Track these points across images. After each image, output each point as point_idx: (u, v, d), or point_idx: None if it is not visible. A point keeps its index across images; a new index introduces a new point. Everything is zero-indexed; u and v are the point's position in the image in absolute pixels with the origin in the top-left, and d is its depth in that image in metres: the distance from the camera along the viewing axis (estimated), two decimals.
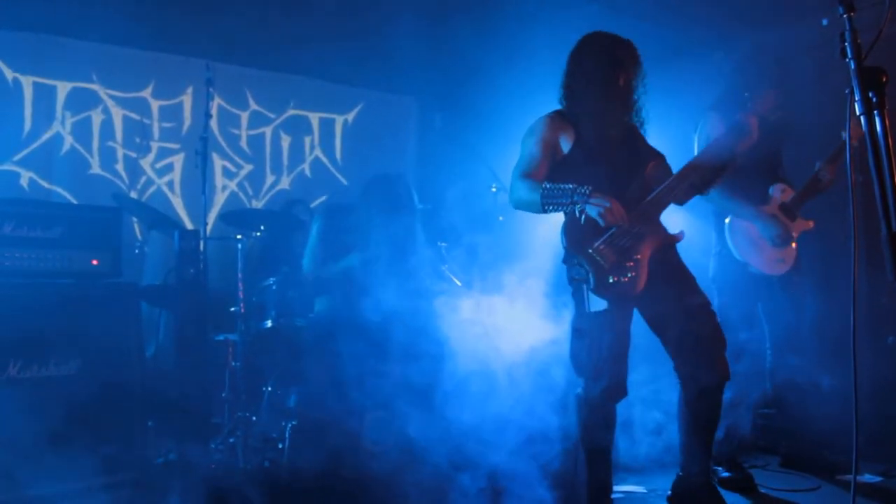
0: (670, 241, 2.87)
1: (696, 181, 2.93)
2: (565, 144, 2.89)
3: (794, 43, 4.49)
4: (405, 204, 4.05)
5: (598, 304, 2.75)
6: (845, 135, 3.58)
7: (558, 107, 3.02)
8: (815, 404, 3.60)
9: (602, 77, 2.85)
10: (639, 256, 2.75)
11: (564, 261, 2.83)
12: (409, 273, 3.74)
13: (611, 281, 2.70)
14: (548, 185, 2.71)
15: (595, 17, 4.45)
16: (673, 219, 2.97)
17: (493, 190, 4.78)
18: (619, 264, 2.72)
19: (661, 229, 2.88)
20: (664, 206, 2.89)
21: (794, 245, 3.64)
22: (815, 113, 3.72)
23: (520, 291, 3.40)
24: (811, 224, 3.68)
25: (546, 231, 3.40)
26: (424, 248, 4.01)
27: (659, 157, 3.00)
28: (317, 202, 6.28)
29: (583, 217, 2.66)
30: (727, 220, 3.64)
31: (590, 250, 2.72)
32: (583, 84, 2.90)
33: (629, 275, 2.72)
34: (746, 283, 3.61)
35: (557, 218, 2.89)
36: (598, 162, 2.84)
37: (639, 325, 2.93)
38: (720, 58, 5.08)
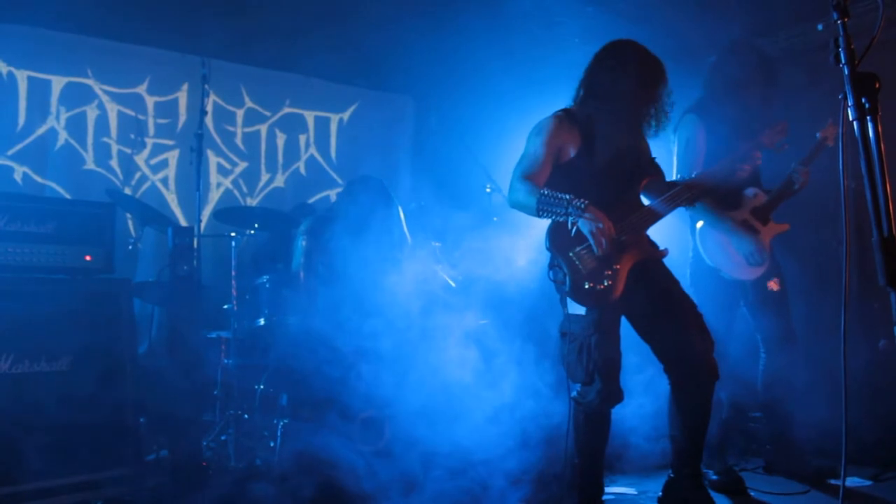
0: (654, 256, 2.89)
1: (687, 199, 2.95)
2: (570, 150, 2.88)
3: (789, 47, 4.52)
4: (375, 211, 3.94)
5: (576, 307, 2.76)
6: (819, 135, 3.55)
7: (561, 105, 2.99)
8: (805, 408, 3.61)
9: (628, 86, 2.85)
10: (618, 266, 2.76)
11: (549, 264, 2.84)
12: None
13: (586, 287, 2.71)
14: (546, 193, 2.70)
15: (591, 19, 4.48)
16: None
17: (488, 190, 4.78)
18: (597, 271, 2.73)
19: (647, 243, 2.90)
20: (653, 222, 2.92)
21: (767, 249, 3.56)
22: (809, 118, 3.72)
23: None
24: (786, 227, 3.62)
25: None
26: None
27: (658, 173, 3.02)
28: (313, 199, 6.28)
29: (574, 229, 2.69)
30: (698, 226, 3.58)
31: (570, 254, 2.74)
32: (606, 88, 2.89)
33: (605, 283, 2.73)
34: (723, 288, 3.56)
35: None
36: (597, 171, 2.85)
37: (626, 327, 2.94)
38: None
